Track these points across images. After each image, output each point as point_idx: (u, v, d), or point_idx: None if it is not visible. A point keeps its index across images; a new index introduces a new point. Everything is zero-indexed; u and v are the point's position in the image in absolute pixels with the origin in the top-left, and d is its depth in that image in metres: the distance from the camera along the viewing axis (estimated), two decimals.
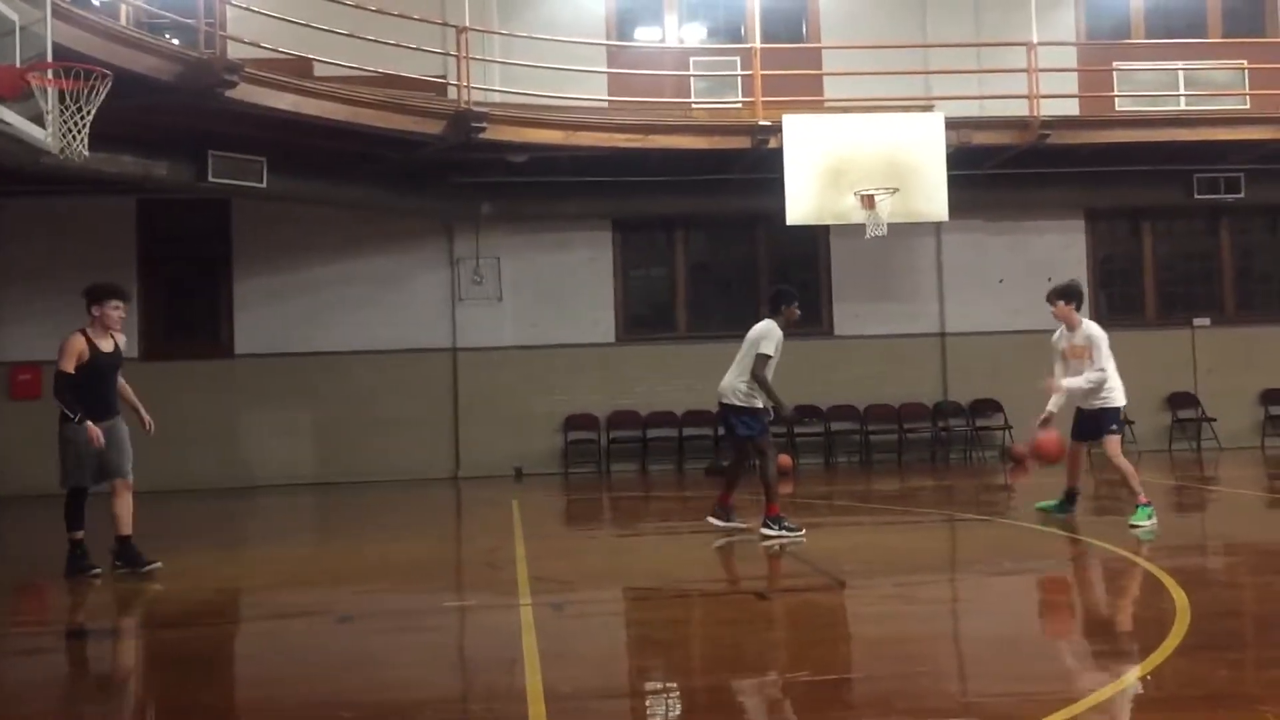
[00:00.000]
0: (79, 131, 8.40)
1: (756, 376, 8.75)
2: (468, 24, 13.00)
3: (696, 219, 15.77)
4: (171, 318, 14.93)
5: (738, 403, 8.88)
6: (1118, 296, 16.35)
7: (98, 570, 7.70)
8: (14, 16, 7.91)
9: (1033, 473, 10.25)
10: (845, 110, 14.09)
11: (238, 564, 8.84)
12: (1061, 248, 15.96)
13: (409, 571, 8.05)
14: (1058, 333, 9.05)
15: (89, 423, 7.50)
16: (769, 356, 8.77)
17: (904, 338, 15.60)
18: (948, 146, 13.55)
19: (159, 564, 7.88)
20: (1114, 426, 8.81)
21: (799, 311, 9.23)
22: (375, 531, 10.52)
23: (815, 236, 15.35)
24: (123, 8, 11.98)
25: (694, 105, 14.79)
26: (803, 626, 6.15)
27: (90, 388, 7.65)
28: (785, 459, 14.39)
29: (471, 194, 14.79)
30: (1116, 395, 8.77)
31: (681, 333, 15.67)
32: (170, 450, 13.83)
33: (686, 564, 8.03)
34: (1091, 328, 8.75)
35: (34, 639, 6.08)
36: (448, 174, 14.46)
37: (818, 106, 14.52)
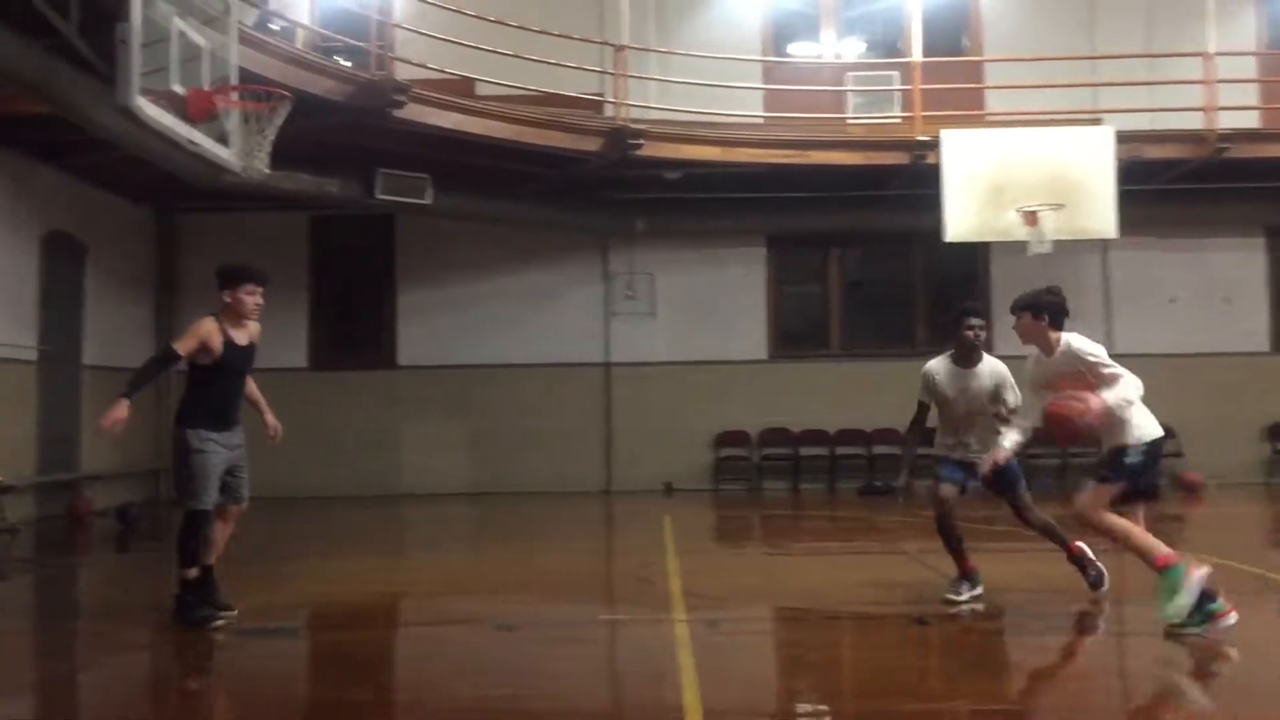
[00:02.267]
0: (260, 150, 8.82)
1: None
2: (626, 42, 13.15)
3: (851, 236, 15.58)
4: (338, 329, 15.52)
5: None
6: None
7: (222, 620, 6.34)
8: (203, 43, 8.35)
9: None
10: (1008, 124, 13.73)
11: (399, 570, 9.09)
12: (1238, 266, 15.22)
13: (563, 583, 8.14)
14: (1031, 360, 6.45)
15: (125, 402, 5.99)
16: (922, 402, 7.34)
17: None
18: (1117, 161, 13.06)
19: (233, 613, 6.46)
20: (1111, 472, 6.13)
21: (969, 334, 7.10)
22: (529, 542, 10.69)
23: (974, 254, 14.98)
24: (299, 32, 12.56)
25: (851, 120, 14.62)
26: (962, 654, 5.97)
27: (219, 386, 6.32)
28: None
29: (626, 210, 14.94)
30: (1145, 425, 6.13)
31: (835, 351, 15.50)
32: (334, 458, 14.48)
33: (841, 584, 7.90)
34: (1079, 341, 6.19)
35: (206, 636, 6.34)
36: (603, 190, 14.65)
37: (978, 121, 14.18)
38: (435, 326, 15.22)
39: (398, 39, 13.10)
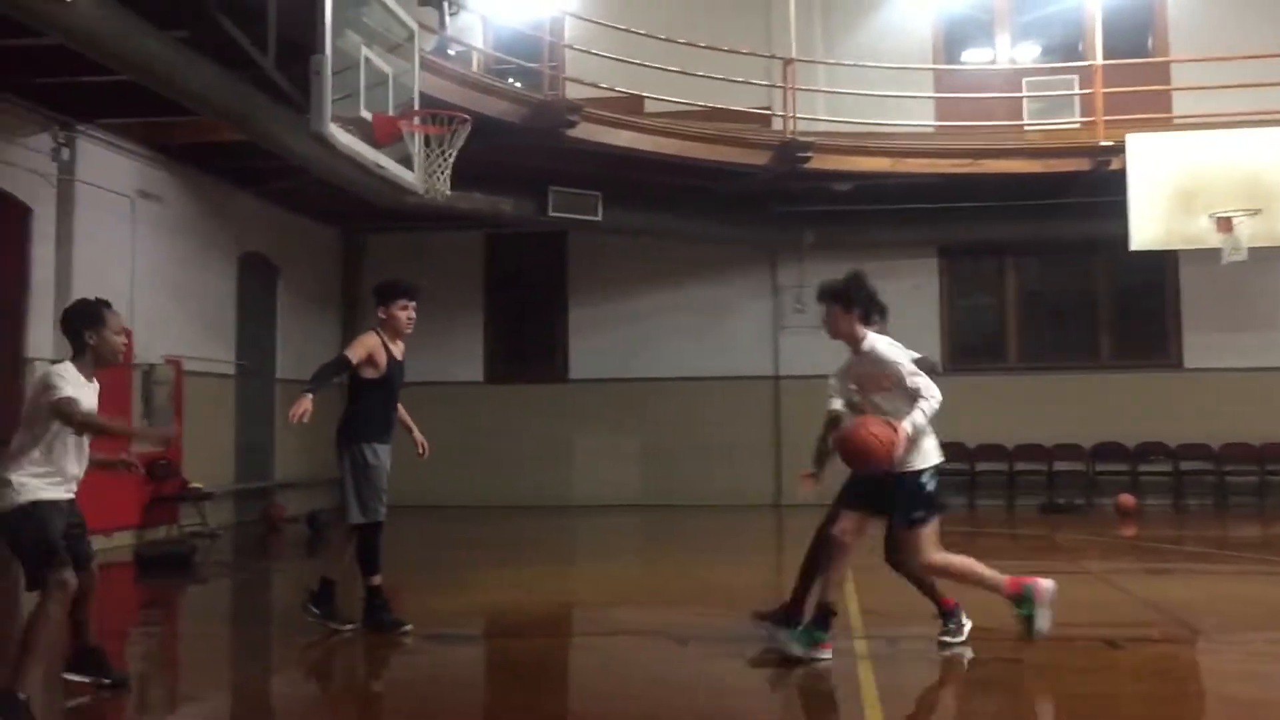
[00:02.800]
0: (442, 172, 9.13)
1: None
2: (794, 55, 13.10)
3: (1028, 245, 15.12)
4: (512, 344, 15.91)
5: None
6: None
7: (409, 626, 6.53)
8: (387, 70, 8.70)
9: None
10: (1198, 127, 13.11)
11: (572, 579, 9.23)
12: None
13: (737, 597, 8.11)
14: (844, 363, 6.08)
15: (309, 396, 6.16)
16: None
17: (1266, 371, 14.24)
18: None
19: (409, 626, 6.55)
20: (924, 511, 5.64)
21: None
22: (701, 555, 10.71)
23: (1162, 263, 14.33)
24: (474, 55, 12.95)
25: (1027, 127, 14.20)
26: (1158, 680, 5.72)
27: (384, 400, 6.53)
28: (1128, 498, 13.55)
29: (795, 223, 14.85)
30: (935, 448, 5.73)
31: (1012, 364, 15.05)
32: (507, 469, 14.84)
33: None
34: (884, 345, 5.77)
35: (392, 640, 6.56)
36: (772, 204, 14.61)
37: (1165, 124, 13.60)
38: (606, 340, 15.44)
39: (568, 59, 13.38)
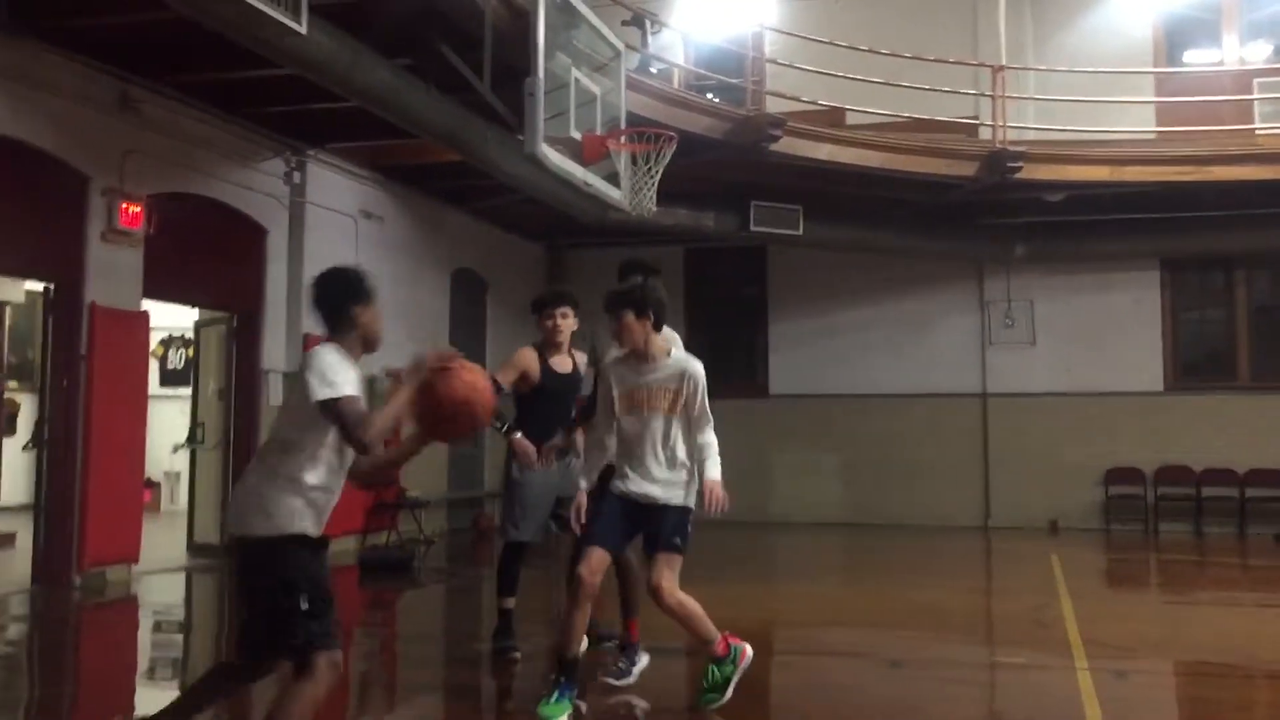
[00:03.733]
0: (647, 189, 9.25)
1: None
2: (1003, 62, 12.70)
3: (1261, 257, 14.19)
4: (712, 358, 15.83)
5: None
6: None
7: (518, 653, 6.24)
8: (595, 90, 8.87)
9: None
10: None
11: (778, 597, 9.17)
12: None
13: (949, 620, 7.91)
14: (610, 364, 5.32)
15: (519, 436, 6.02)
16: None
17: None
18: None
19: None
20: (683, 540, 5.09)
21: None
22: (907, 576, 10.48)
23: None
24: (675, 72, 13.08)
25: (1259, 131, 13.33)
26: None
27: (538, 414, 6.18)
28: None
29: (1003, 235, 14.39)
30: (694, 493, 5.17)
31: (1243, 382, 14.15)
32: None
33: (1259, 640, 7.18)
34: (696, 363, 5.15)
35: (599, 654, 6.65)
36: (977, 215, 14.19)
37: None
38: (806, 355, 15.30)
39: (769, 73, 13.36)
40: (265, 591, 3.59)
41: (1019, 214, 14.02)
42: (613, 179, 9.35)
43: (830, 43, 12.45)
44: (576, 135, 8.47)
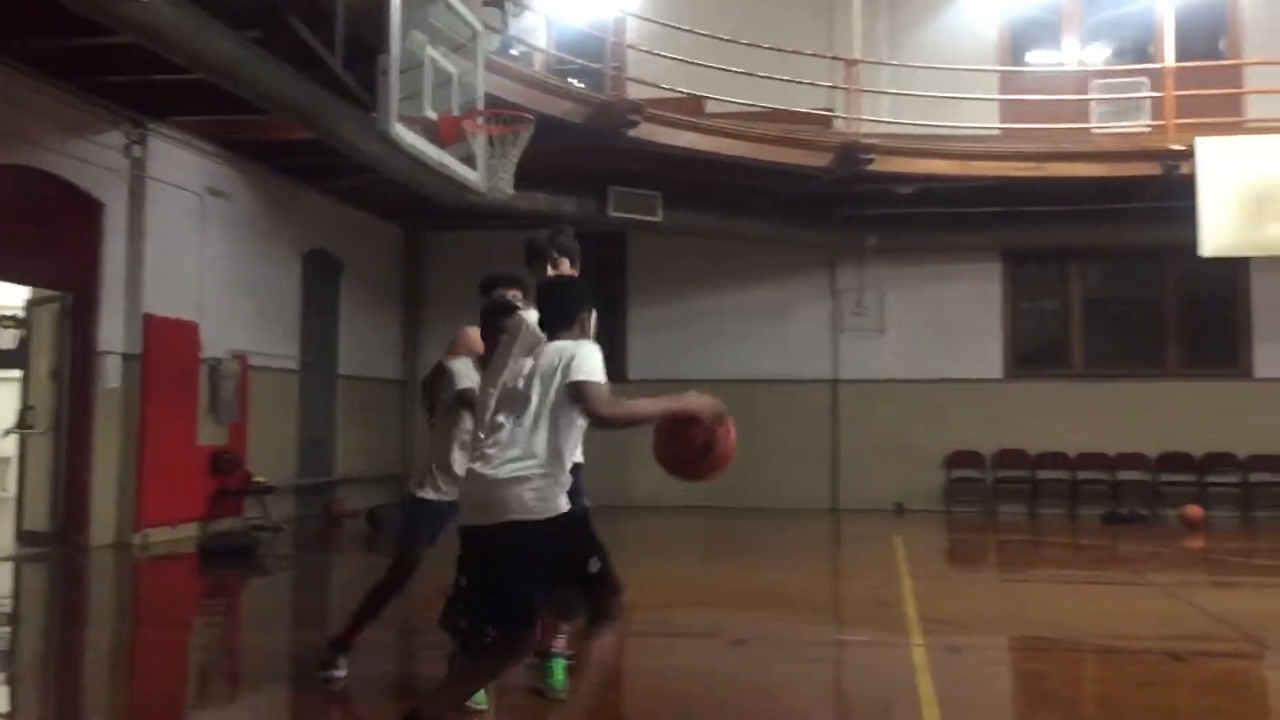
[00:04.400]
0: (504, 172, 9.18)
1: None
2: (858, 56, 13.01)
3: (1094, 251, 14.89)
4: None
5: None
6: None
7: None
8: (452, 70, 8.76)
9: None
10: (1271, 131, 12.83)
11: (633, 580, 9.20)
12: None
13: (795, 600, 8.09)
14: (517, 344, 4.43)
15: None
16: None
17: None
18: None
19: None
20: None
21: None
22: (758, 558, 10.67)
23: (1233, 270, 14.02)
24: (536, 56, 13.00)
25: (1095, 130, 13.97)
26: (1222, 695, 5.59)
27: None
28: (1194, 510, 13.29)
29: (856, 226, 14.75)
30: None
31: (1077, 370, 14.83)
32: None
33: (1086, 615, 7.54)
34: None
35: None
36: (833, 206, 14.51)
37: (1237, 128, 13.32)
38: (665, 341, 15.42)
39: (630, 59, 13.39)
40: (566, 560, 3.97)
41: (871, 205, 14.39)
42: (470, 161, 9.25)
43: (691, 31, 12.55)
44: (432, 115, 8.36)
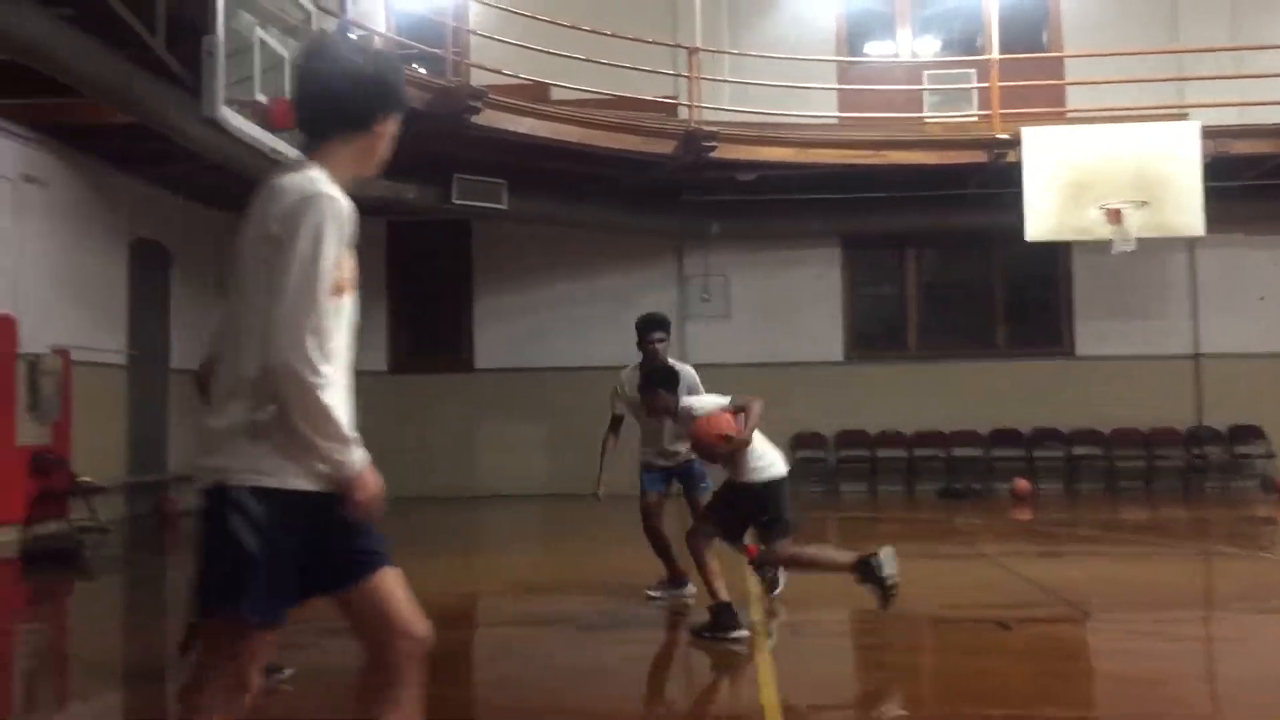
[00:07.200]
0: None
1: None
2: (699, 44, 13.14)
3: (928, 236, 15.40)
4: (417, 333, 15.72)
5: None
6: None
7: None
8: (285, 53, 8.50)
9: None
10: (1089, 121, 13.48)
11: (477, 569, 9.17)
12: None
13: (639, 585, 8.14)
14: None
15: None
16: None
17: (1153, 359, 14.72)
18: (1204, 156, 12.71)
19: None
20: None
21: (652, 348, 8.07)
22: (606, 543, 10.70)
23: (1055, 253, 14.71)
24: (375, 39, 12.71)
25: (927, 119, 14.44)
26: (1045, 658, 5.86)
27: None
28: (1023, 483, 13.91)
29: (701, 213, 14.91)
30: None
31: (912, 352, 15.33)
32: (414, 460, 14.64)
33: (921, 587, 7.74)
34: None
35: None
36: (678, 193, 14.64)
37: (1059, 118, 13.94)
38: (513, 330, 15.34)
39: (472, 45, 13.24)
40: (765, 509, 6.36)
41: (715, 192, 14.57)
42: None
43: (533, 17, 12.48)
44: (263, 99, 8.08)
